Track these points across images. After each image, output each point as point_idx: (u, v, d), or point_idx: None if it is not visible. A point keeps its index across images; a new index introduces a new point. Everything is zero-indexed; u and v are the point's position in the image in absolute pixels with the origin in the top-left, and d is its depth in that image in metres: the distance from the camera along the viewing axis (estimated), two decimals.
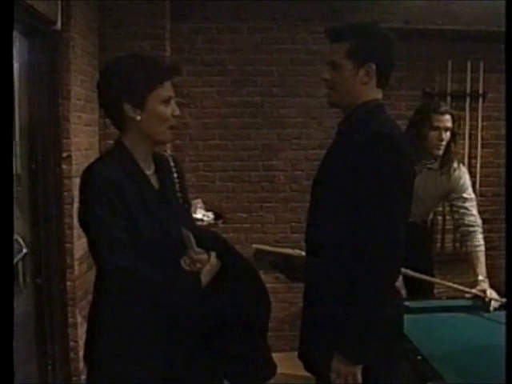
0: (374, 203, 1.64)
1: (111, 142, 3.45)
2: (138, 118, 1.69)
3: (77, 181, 2.98)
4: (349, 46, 1.76)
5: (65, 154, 2.87)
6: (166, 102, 1.72)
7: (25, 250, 2.61)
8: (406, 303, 2.48)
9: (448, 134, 2.92)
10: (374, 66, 1.76)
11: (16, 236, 2.56)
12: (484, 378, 1.89)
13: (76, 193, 2.97)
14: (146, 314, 1.66)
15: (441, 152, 2.94)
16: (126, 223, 1.63)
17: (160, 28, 3.60)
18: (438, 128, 2.89)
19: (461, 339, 2.24)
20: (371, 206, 1.64)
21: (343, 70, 1.77)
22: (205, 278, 1.69)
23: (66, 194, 2.90)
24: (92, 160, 1.81)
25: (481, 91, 4.10)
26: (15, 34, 2.41)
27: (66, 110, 2.86)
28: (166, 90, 1.73)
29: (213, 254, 1.73)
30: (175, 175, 1.87)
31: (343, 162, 1.72)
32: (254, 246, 2.15)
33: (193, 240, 1.71)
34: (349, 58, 1.76)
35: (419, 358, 2.00)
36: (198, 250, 1.71)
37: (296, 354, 1.92)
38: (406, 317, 1.89)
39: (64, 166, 2.88)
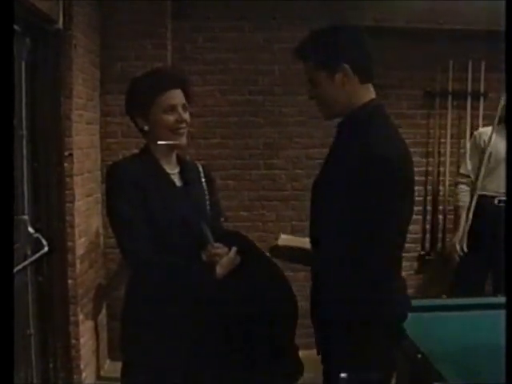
0: (377, 211, 1.60)
1: (112, 140, 3.52)
2: (146, 128, 1.87)
3: (78, 179, 3.02)
4: (314, 60, 1.73)
5: (66, 153, 2.88)
6: (170, 110, 1.83)
7: (46, 249, 2.64)
8: None
9: None
10: (347, 66, 1.70)
11: (38, 234, 2.63)
12: (484, 377, 1.89)
13: (77, 191, 2.99)
14: (168, 302, 1.76)
15: None
16: (144, 215, 1.76)
17: (161, 27, 3.61)
18: None
19: (461, 338, 2.24)
20: (373, 214, 1.60)
21: (320, 83, 1.74)
22: (220, 269, 1.78)
23: (67, 192, 2.91)
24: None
25: (482, 91, 4.11)
26: (16, 32, 2.41)
27: (68, 108, 2.87)
28: (169, 99, 1.84)
29: (233, 249, 1.82)
30: (203, 180, 2.04)
31: (346, 170, 1.65)
32: (280, 240, 2.05)
33: (209, 234, 1.82)
34: (319, 70, 1.72)
35: (419, 356, 2.00)
36: (215, 243, 1.81)
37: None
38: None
39: (66, 165, 2.89)
